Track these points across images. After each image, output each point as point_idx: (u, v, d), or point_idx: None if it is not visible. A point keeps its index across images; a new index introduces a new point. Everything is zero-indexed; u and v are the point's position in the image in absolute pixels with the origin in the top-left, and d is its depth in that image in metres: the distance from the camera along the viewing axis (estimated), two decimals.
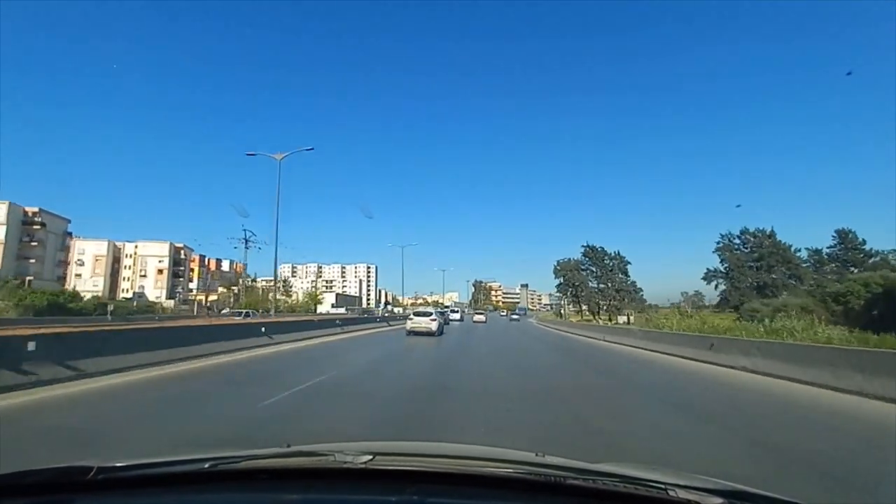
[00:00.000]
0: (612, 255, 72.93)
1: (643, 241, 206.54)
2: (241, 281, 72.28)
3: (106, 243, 77.69)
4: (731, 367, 10.96)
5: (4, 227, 61.09)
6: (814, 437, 5.32)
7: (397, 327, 31.84)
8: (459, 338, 23.38)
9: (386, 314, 55.07)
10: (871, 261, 50.30)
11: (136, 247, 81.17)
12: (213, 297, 78.95)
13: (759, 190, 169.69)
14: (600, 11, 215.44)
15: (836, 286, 36.82)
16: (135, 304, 57.01)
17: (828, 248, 58.08)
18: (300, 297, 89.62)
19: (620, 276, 71.31)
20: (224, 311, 55.55)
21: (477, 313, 58.18)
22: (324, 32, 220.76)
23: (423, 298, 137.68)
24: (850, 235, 56.23)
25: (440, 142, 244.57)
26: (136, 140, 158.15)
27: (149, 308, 56.39)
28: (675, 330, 20.16)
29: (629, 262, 73.38)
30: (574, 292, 73.88)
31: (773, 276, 53.26)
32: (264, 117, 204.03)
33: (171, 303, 71.24)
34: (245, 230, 57.52)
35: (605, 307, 68.83)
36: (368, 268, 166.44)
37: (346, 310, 71.24)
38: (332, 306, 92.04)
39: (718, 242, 58.75)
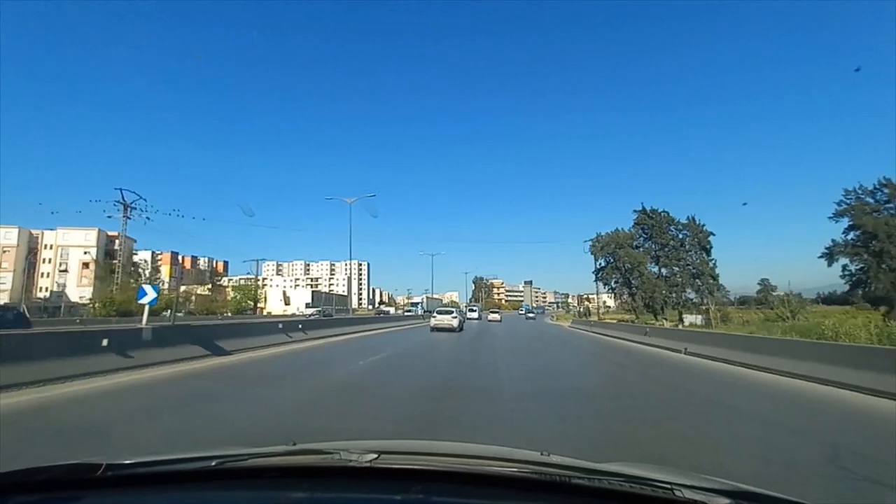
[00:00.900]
0: (683, 223, 47.35)
1: None
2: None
3: (16, 230, 63.58)
4: None
5: None
6: None
7: (379, 331, 24.93)
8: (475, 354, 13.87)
9: (380, 314, 50.58)
10: None
11: (56, 235, 66.25)
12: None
13: (759, 191, 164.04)
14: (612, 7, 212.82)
15: None
16: (44, 304, 49.04)
17: None
18: (234, 295, 66.94)
19: (698, 253, 46.66)
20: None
21: (492, 312, 56.50)
22: (319, 31, 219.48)
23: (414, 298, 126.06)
24: None
25: (440, 142, 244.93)
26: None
27: (72, 309, 45.79)
28: None
29: (712, 233, 46.60)
30: (623, 280, 49.58)
31: None
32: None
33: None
34: (121, 190, 42.83)
35: (672, 301, 46.59)
36: (360, 265, 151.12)
37: (321, 310, 55.09)
38: (307, 306, 76.18)
39: (840, 203, 38.58)
